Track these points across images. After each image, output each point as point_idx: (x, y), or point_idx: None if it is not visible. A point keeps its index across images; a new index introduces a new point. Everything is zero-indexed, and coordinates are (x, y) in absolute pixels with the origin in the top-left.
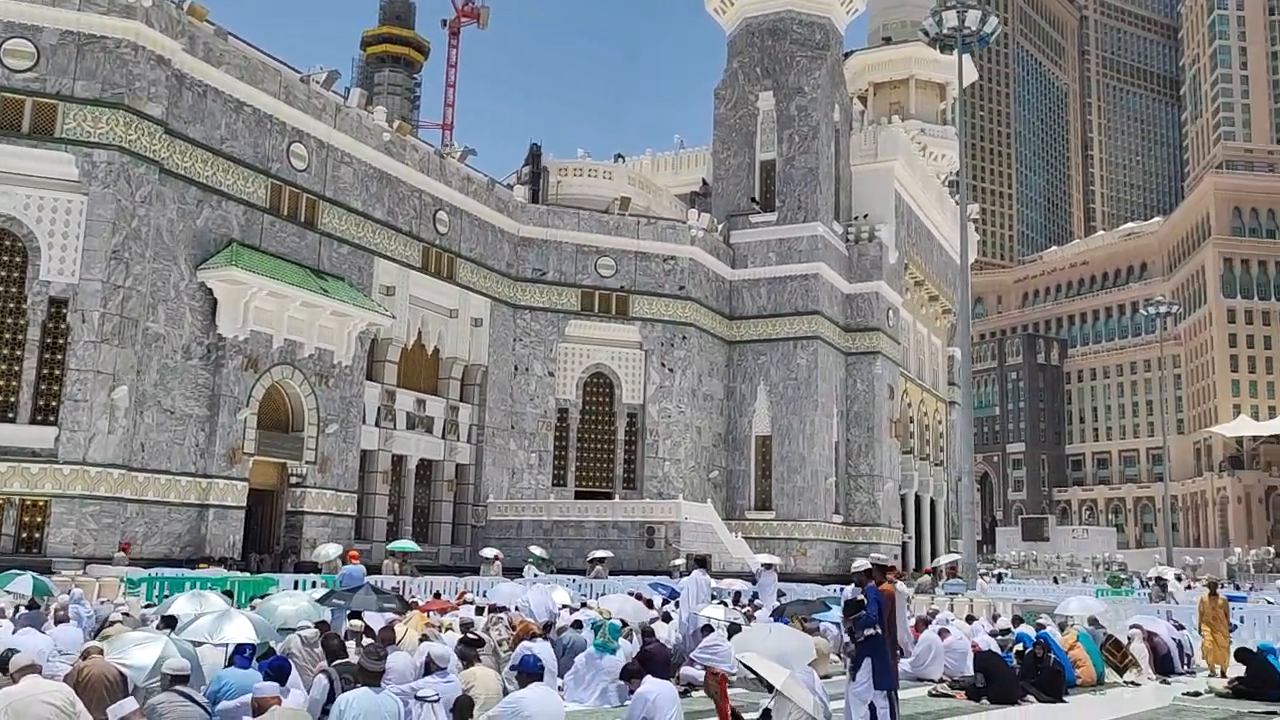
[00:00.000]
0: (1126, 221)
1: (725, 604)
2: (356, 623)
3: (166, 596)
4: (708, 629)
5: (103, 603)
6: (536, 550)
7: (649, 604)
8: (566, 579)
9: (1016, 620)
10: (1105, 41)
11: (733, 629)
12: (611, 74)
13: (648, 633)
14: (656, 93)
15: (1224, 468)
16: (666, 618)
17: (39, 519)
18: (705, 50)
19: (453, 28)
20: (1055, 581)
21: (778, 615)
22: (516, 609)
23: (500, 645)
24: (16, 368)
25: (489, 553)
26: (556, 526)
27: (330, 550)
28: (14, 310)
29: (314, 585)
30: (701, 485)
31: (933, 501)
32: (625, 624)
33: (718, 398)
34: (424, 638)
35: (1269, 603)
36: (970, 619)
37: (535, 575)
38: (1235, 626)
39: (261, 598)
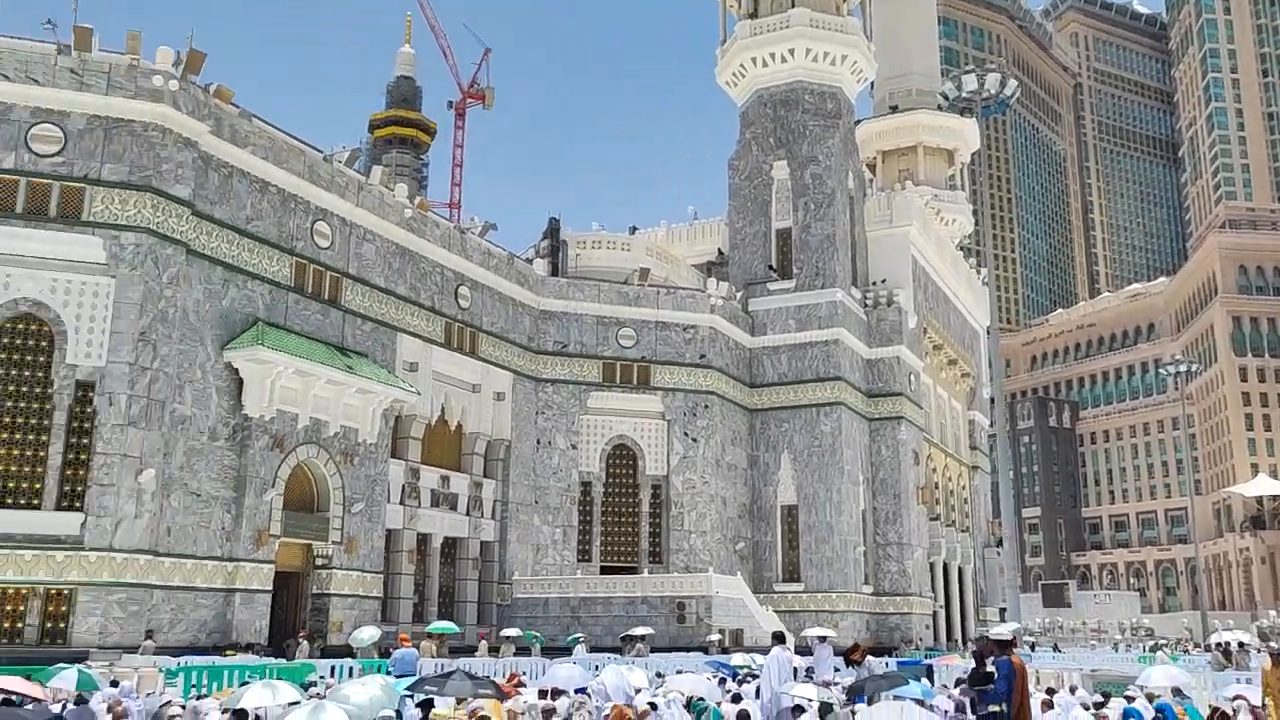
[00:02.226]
0: (1130, 282)
1: (819, 682)
2: (442, 713)
3: (196, 686)
4: (798, 709)
5: (148, 695)
6: (510, 632)
7: (721, 682)
8: (606, 657)
9: (1106, 695)
10: (1101, 107)
11: (825, 709)
12: (620, 149)
13: (743, 715)
14: (667, 166)
15: (1245, 528)
16: (736, 698)
17: (64, 608)
18: (715, 123)
19: (459, 109)
20: (1115, 649)
21: (856, 694)
22: (582, 691)
23: None
24: (42, 453)
25: (510, 632)
26: (584, 604)
27: (367, 634)
28: (40, 395)
29: (352, 672)
30: (728, 557)
31: (960, 569)
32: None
33: (741, 467)
34: None
35: None
36: (1051, 691)
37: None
38: None
39: (306, 686)
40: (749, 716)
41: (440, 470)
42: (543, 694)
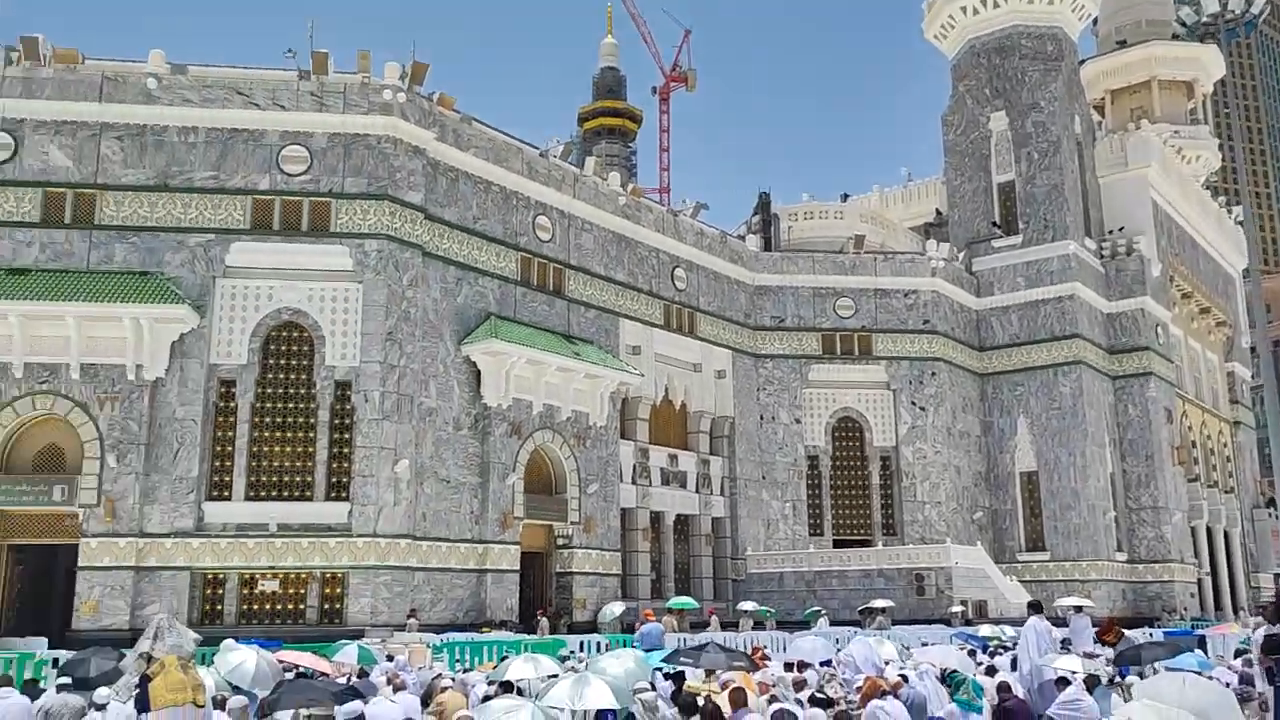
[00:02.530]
0: None
1: (1078, 654)
2: (694, 685)
3: (461, 660)
4: (1062, 682)
5: (419, 669)
6: (745, 605)
7: (971, 654)
8: (848, 631)
9: None
10: None
11: (1092, 681)
12: (826, 117)
13: (1003, 688)
14: (875, 129)
15: None
16: (990, 670)
17: (338, 590)
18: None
19: (663, 94)
20: None
21: (1126, 664)
22: (826, 664)
23: (841, 703)
24: (310, 449)
25: (746, 606)
26: (819, 577)
27: (614, 610)
28: (305, 395)
29: (599, 647)
30: (966, 528)
31: (1226, 533)
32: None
33: (974, 434)
34: (772, 698)
35: None
36: None
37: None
38: None
39: (562, 659)
40: (1010, 688)
41: (668, 449)
42: (788, 667)
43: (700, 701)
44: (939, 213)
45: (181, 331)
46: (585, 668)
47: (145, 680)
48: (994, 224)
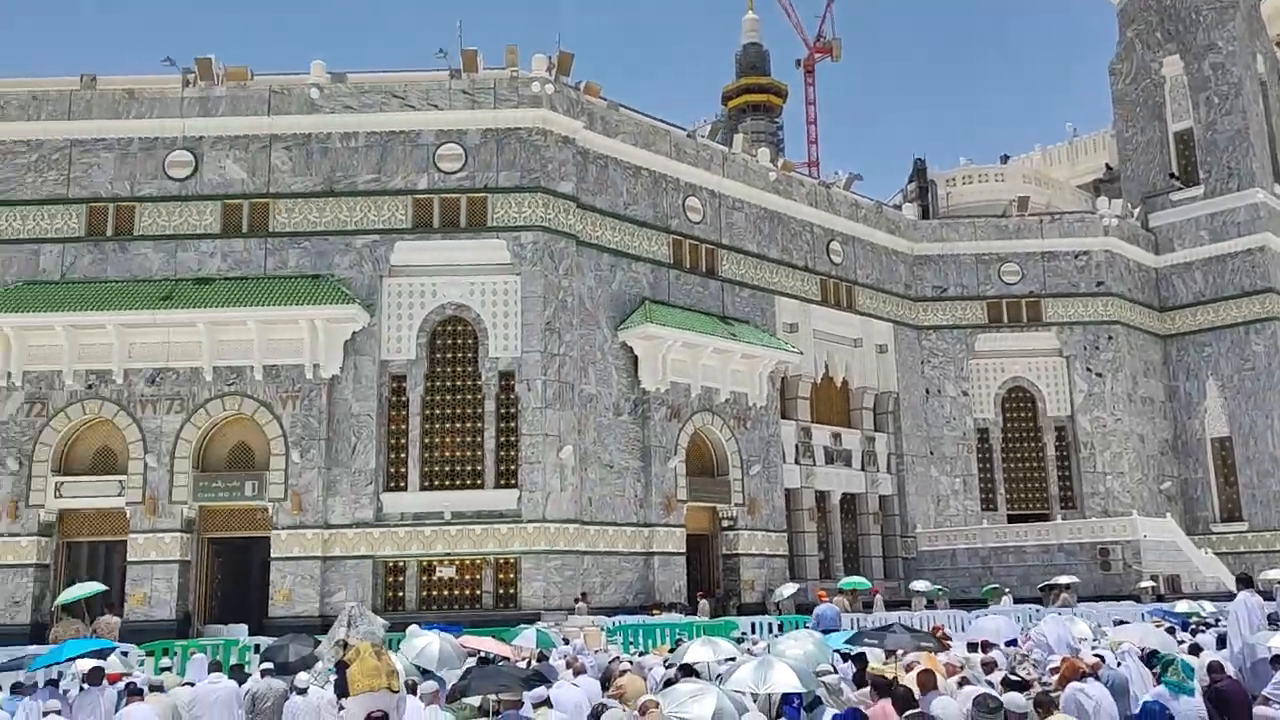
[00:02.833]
0: None
1: None
2: (877, 666)
3: (636, 643)
4: (1277, 661)
5: (596, 652)
6: (918, 585)
7: (1171, 632)
8: (1031, 609)
9: None
10: None
11: None
12: (979, 76)
13: (1215, 668)
14: (1033, 85)
15: None
16: (1194, 649)
17: (511, 575)
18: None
19: (807, 66)
20: None
21: None
22: (1012, 644)
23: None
24: (479, 438)
25: (919, 585)
26: (994, 554)
27: (785, 591)
28: (472, 387)
29: (772, 628)
30: (1152, 498)
31: None
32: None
33: (1158, 400)
34: (963, 681)
35: None
36: None
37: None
38: None
39: (739, 641)
40: (1221, 668)
41: (830, 428)
42: (971, 647)
43: (890, 682)
44: (1109, 168)
45: (353, 330)
46: (766, 650)
47: (342, 667)
48: (1172, 175)
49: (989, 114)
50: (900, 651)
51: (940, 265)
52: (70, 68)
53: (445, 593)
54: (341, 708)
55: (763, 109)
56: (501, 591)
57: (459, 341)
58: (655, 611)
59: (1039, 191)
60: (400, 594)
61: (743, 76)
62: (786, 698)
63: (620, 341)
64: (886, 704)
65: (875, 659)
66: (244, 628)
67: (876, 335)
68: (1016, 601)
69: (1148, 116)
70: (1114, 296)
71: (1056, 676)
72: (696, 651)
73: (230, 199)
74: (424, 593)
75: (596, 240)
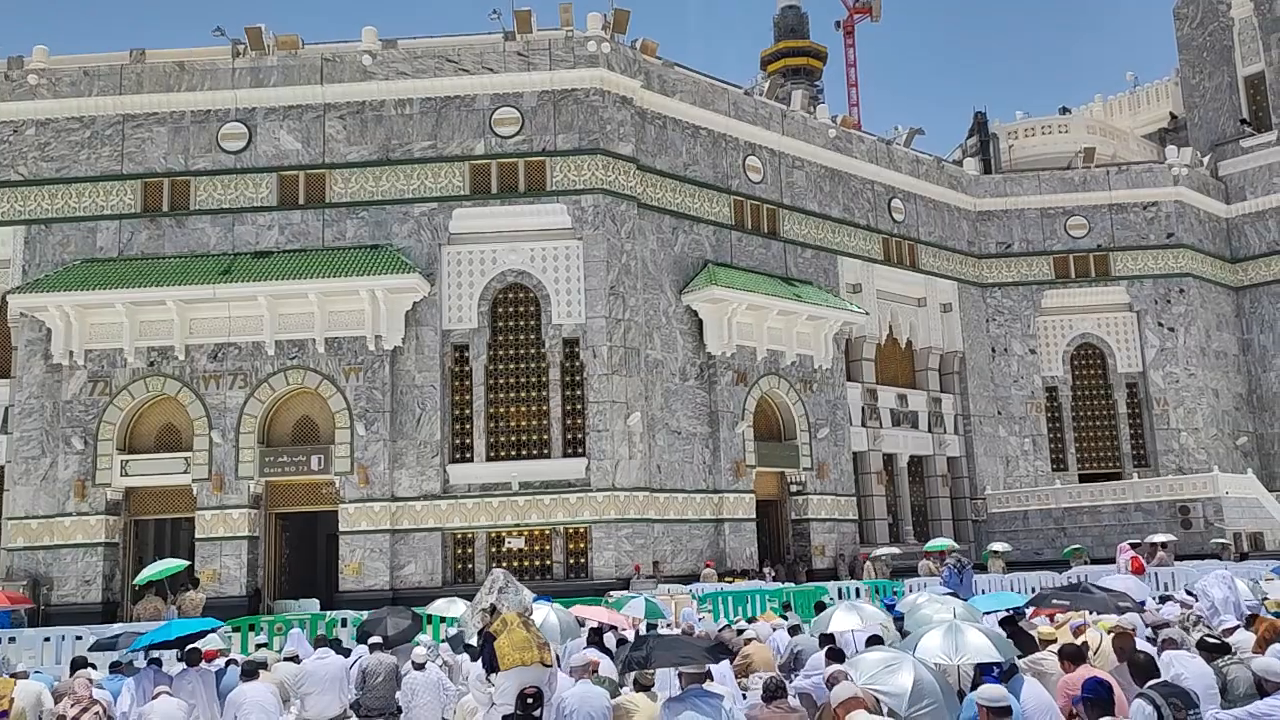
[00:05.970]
0: None
1: None
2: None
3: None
4: None
5: (700, 620)
6: (997, 546)
7: None
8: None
9: None
10: None
11: None
12: (1032, 26)
13: None
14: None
15: None
16: None
17: (582, 545)
18: None
19: (846, 27)
20: None
21: None
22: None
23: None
24: (544, 407)
25: (998, 546)
26: (1068, 514)
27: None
28: (536, 355)
29: (858, 592)
30: (1229, 454)
31: None
32: None
33: (1232, 353)
34: (1166, 643)
35: None
36: None
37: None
38: None
39: (820, 607)
40: None
41: (896, 389)
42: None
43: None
44: (1174, 116)
45: (414, 300)
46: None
47: (489, 638)
48: (1243, 121)
49: (1040, 67)
50: (1089, 611)
51: (1004, 221)
52: (119, 43)
53: (515, 564)
54: (491, 684)
55: (803, 72)
56: (572, 561)
57: (521, 309)
58: (729, 579)
59: (1104, 142)
60: (469, 566)
61: (781, 40)
62: (982, 668)
63: (685, 305)
64: (1085, 670)
65: (1028, 624)
66: (315, 602)
67: (940, 294)
68: (1096, 562)
69: (1215, 61)
70: (1185, 248)
71: (1256, 637)
72: (842, 619)
73: (286, 170)
74: (494, 564)
75: (657, 202)
